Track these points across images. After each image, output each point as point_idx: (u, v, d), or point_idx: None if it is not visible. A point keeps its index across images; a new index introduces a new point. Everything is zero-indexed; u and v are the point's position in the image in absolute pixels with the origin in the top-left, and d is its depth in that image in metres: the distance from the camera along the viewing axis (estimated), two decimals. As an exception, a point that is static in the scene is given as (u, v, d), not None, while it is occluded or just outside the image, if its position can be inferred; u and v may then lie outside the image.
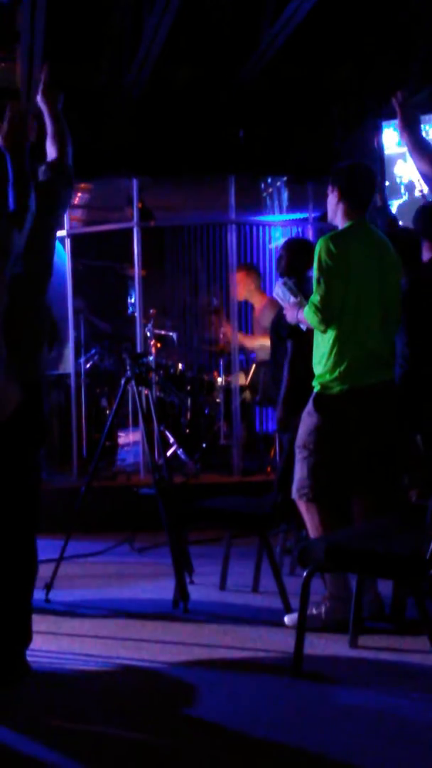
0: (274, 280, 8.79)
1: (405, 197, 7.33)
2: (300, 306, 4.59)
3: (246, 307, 8.50)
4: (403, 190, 7.38)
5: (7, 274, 3.76)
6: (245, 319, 8.58)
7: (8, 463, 3.71)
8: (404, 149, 7.08)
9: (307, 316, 4.38)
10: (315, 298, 4.32)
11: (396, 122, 5.02)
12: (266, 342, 7.66)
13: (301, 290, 4.85)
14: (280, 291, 4.81)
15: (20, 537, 3.76)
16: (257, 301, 8.17)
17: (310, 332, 4.56)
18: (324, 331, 4.36)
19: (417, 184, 7.10)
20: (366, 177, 4.53)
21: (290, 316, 4.73)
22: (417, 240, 4.98)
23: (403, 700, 3.51)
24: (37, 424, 3.84)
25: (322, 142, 8.27)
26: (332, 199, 4.53)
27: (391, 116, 6.93)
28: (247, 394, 8.13)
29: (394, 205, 7.34)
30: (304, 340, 4.82)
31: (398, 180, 7.43)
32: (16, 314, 3.70)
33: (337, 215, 4.52)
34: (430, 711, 3.40)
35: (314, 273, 4.36)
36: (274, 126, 8.36)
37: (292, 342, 5.42)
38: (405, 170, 7.32)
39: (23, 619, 3.76)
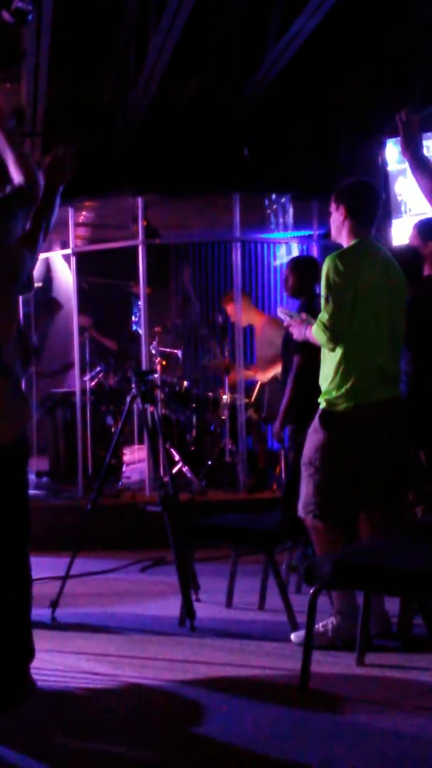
0: (279, 298, 8.82)
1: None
2: (307, 323, 4.58)
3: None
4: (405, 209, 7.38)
5: (17, 293, 3.80)
6: (249, 336, 8.60)
7: None
8: (404, 166, 7.10)
9: (315, 335, 4.36)
10: (323, 316, 4.31)
11: (397, 139, 5.03)
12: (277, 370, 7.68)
13: (312, 308, 4.83)
14: (281, 314, 4.85)
15: (13, 554, 3.76)
16: (256, 320, 8.18)
17: (318, 348, 4.55)
18: (332, 349, 4.35)
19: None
20: (372, 194, 4.53)
21: (297, 333, 4.71)
22: (419, 257, 4.99)
23: (411, 719, 3.49)
24: (22, 442, 3.85)
25: (327, 158, 8.27)
26: (337, 217, 4.52)
27: (394, 132, 6.95)
28: (252, 412, 8.11)
29: (395, 224, 7.35)
30: (312, 356, 4.79)
31: (399, 198, 7.43)
32: None
33: (342, 233, 4.51)
34: (438, 729, 3.39)
35: (322, 291, 4.36)
36: (279, 143, 8.37)
37: (300, 357, 5.42)
38: (405, 187, 7.31)
39: (23, 636, 3.75)
